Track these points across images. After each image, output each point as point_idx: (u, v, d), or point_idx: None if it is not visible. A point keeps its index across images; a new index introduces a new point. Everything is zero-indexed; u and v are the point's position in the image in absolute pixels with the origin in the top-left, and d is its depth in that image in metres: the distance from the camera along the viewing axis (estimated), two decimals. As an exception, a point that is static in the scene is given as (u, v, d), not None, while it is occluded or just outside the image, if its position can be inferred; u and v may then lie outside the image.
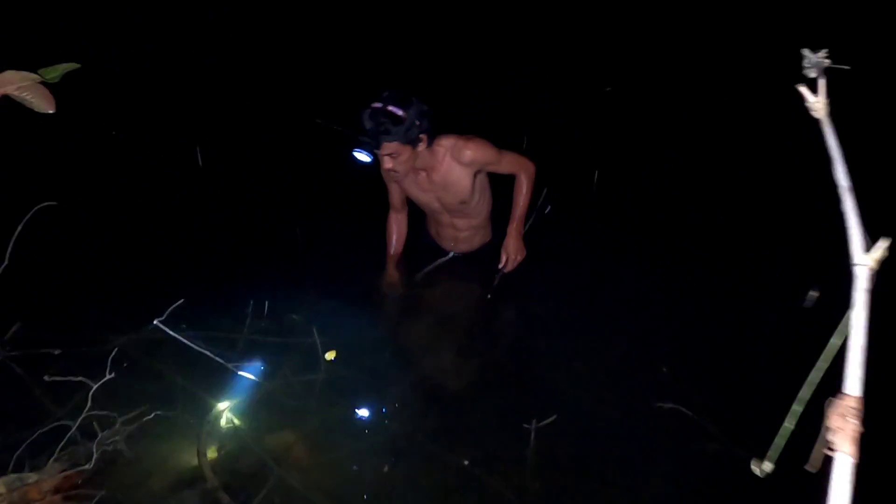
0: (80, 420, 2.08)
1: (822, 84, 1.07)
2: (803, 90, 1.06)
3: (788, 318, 2.80)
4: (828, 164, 0.95)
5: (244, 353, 2.58)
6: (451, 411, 2.49)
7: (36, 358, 2.46)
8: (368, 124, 2.40)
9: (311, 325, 2.66)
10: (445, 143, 2.62)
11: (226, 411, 2.35)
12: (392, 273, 3.08)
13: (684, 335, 2.77)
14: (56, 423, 2.13)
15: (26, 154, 3.55)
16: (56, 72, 1.22)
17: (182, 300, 2.48)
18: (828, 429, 0.71)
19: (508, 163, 2.75)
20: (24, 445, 2.04)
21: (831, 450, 0.71)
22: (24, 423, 2.14)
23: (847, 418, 0.69)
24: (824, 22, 4.40)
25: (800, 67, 1.06)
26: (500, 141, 2.74)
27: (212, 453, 2.22)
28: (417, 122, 2.44)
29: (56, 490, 2.00)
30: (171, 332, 2.44)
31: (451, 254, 3.14)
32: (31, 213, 2.48)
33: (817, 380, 0.81)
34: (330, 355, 2.59)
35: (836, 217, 0.88)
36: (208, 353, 2.47)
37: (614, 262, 3.22)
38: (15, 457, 2.02)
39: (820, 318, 2.80)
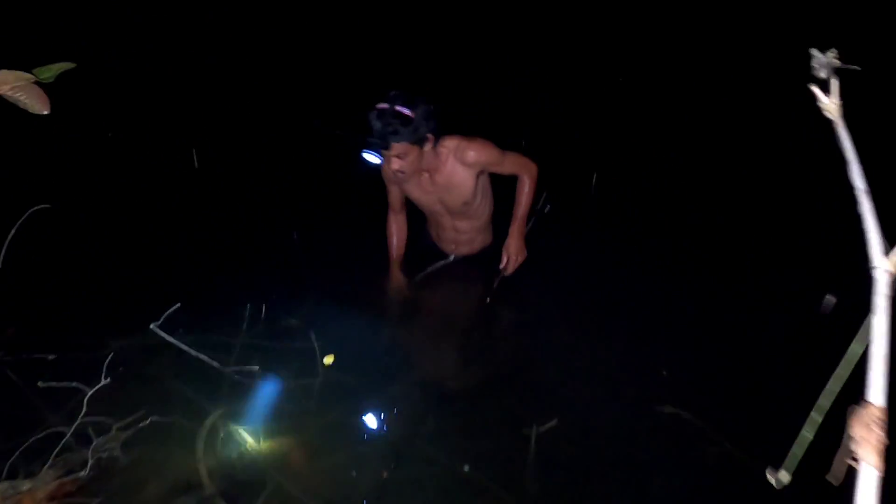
0: (74, 426, 2.06)
1: (834, 84, 1.05)
2: (816, 91, 1.04)
3: (795, 322, 2.78)
4: (843, 164, 0.94)
5: (241, 358, 2.55)
6: (450, 416, 2.46)
7: (30, 363, 2.43)
8: (377, 125, 2.39)
9: (308, 330, 2.64)
10: (449, 144, 2.61)
11: (223, 417, 2.33)
12: (397, 275, 3.05)
13: (687, 338, 2.75)
14: (50, 430, 2.11)
15: (20, 155, 3.52)
16: (51, 71, 1.19)
17: (179, 304, 2.46)
18: (851, 438, 0.69)
19: (511, 163, 2.74)
20: (17, 452, 2.02)
21: (854, 460, 0.69)
22: (18, 430, 2.11)
23: (872, 427, 0.67)
24: (836, 20, 4.39)
25: (806, 64, 1.05)
26: (501, 141, 2.73)
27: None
28: (425, 122, 2.44)
29: (50, 498, 1.97)
30: (167, 337, 2.41)
31: (451, 256, 3.12)
32: (25, 215, 2.46)
33: (837, 388, 0.79)
34: (328, 359, 2.57)
35: (851, 219, 0.87)
36: (205, 357, 2.45)
37: (615, 264, 3.20)
38: (8, 464, 2.00)
39: (823, 320, 2.79)
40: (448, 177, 2.67)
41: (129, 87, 4.45)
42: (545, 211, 3.15)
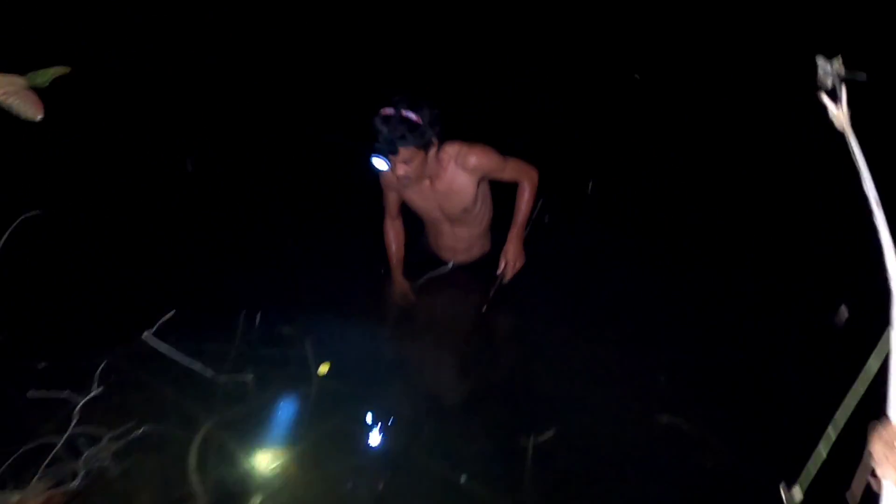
0: (65, 437, 2.02)
1: (843, 93, 1.04)
2: (825, 100, 1.03)
3: (796, 327, 2.75)
4: (849, 166, 0.92)
5: (235, 366, 2.52)
6: (447, 425, 2.44)
7: (20, 372, 2.39)
8: (384, 130, 2.37)
9: (303, 338, 2.62)
10: (450, 150, 2.60)
11: (216, 426, 2.30)
12: (400, 281, 3.03)
13: (688, 344, 2.73)
14: (41, 440, 2.07)
15: (12, 161, 3.48)
16: (45, 76, 1.16)
17: (173, 312, 2.42)
18: (871, 456, 0.67)
19: (512, 170, 2.72)
20: (6, 463, 1.98)
21: (874, 477, 0.67)
22: (7, 440, 2.07)
23: (893, 446, 0.65)
24: (842, 25, 4.38)
25: (807, 64, 1.04)
26: (501, 141, 2.71)
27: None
28: (431, 127, 2.42)
29: (40, 509, 1.93)
30: (160, 346, 2.38)
31: (449, 264, 3.10)
32: (16, 222, 2.42)
33: (853, 404, 0.77)
34: (323, 368, 2.54)
35: (859, 224, 0.85)
36: (198, 366, 2.42)
37: (614, 268, 3.17)
38: (-3, 475, 1.95)
39: (823, 322, 2.77)
40: (449, 183, 2.66)
41: (128, 88, 4.41)
42: (545, 220, 3.14)
